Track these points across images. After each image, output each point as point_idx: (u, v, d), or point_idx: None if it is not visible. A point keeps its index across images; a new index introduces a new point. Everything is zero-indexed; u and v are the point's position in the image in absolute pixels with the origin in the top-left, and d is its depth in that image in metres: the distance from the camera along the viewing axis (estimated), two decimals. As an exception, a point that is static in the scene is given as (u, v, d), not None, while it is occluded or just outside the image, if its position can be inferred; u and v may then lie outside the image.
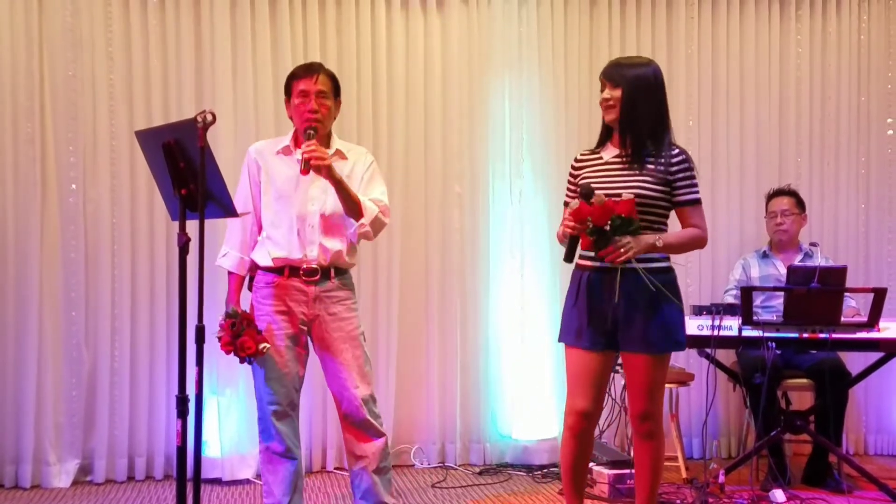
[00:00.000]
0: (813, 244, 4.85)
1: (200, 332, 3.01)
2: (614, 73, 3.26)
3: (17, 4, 4.64)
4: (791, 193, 5.00)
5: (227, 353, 3.36)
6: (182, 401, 3.04)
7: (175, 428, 3.07)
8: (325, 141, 3.53)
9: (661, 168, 3.23)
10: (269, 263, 3.48)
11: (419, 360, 5.06)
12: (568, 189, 3.43)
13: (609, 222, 3.06)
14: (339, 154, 3.55)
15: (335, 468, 4.92)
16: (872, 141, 5.51)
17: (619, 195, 3.14)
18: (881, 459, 5.35)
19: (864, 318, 4.34)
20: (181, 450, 3.05)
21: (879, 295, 4.23)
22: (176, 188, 3.06)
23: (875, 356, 4.50)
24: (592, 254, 3.19)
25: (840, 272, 4.28)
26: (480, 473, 4.92)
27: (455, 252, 5.10)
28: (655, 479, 3.36)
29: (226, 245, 3.59)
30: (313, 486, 4.63)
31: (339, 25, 4.98)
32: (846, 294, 4.54)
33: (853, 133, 5.50)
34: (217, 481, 4.68)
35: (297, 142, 3.51)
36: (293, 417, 3.53)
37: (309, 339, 3.55)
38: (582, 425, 3.31)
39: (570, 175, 3.42)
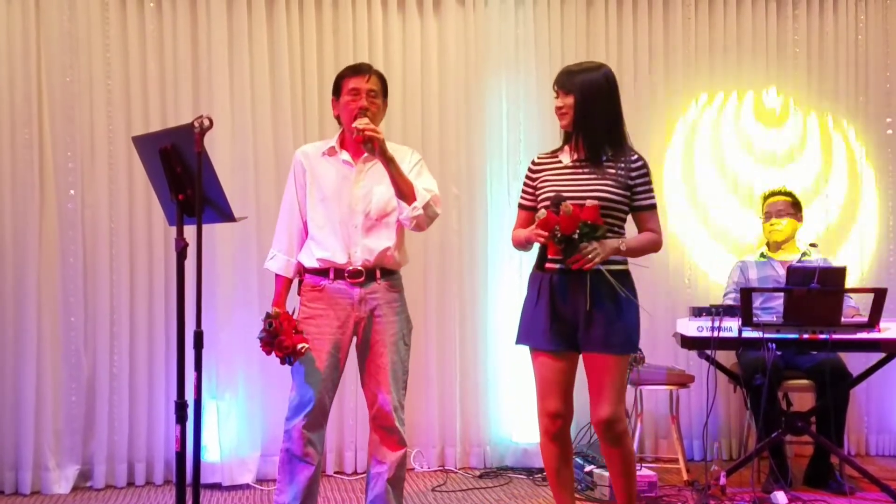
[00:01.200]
0: (812, 245, 4.84)
1: (199, 337, 3.00)
2: (565, 81, 3.31)
3: (14, 9, 4.64)
4: (786, 194, 4.99)
5: (267, 353, 3.33)
6: (181, 406, 3.03)
7: (174, 433, 3.06)
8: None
9: (622, 173, 3.27)
10: (314, 265, 3.46)
11: (418, 363, 5.02)
12: (524, 192, 3.45)
13: (577, 230, 3.08)
14: None
15: (335, 472, 4.91)
16: (871, 140, 5.50)
17: (582, 199, 3.17)
18: (882, 460, 5.35)
19: (865, 319, 4.33)
20: (180, 455, 3.04)
21: (880, 295, 4.22)
22: (173, 193, 3.06)
23: (876, 356, 4.49)
24: (537, 265, 3.24)
25: (840, 272, 4.27)
26: (480, 477, 4.91)
27: (453, 254, 5.10)
28: (631, 481, 3.39)
29: (274, 247, 3.58)
30: (326, 487, 4.60)
31: (335, 27, 4.97)
32: (846, 294, 4.53)
33: (851, 132, 5.49)
34: (217, 486, 4.67)
35: (342, 142, 3.49)
36: (322, 425, 3.49)
37: (353, 341, 3.52)
38: (556, 426, 3.32)
39: (527, 178, 3.44)
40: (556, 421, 3.32)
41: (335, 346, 3.45)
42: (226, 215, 3.14)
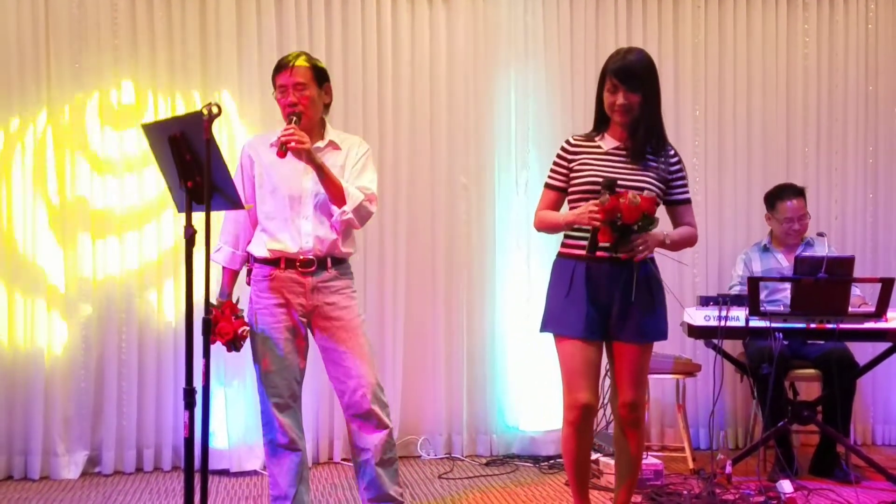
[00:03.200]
0: (820, 234, 4.82)
1: (207, 323, 3.02)
2: (632, 78, 3.20)
3: (23, -3, 4.65)
4: (802, 193, 4.89)
5: (212, 342, 3.35)
6: (189, 393, 3.05)
7: (182, 419, 3.08)
8: (318, 131, 3.51)
9: (662, 166, 3.28)
10: (265, 255, 3.48)
11: (426, 351, 5.06)
12: (554, 171, 3.37)
13: (639, 221, 3.08)
14: (333, 145, 3.53)
15: (342, 459, 4.93)
16: (880, 130, 5.49)
17: (623, 188, 3.14)
18: (889, 450, 5.34)
19: (872, 308, 4.33)
20: (189, 441, 3.06)
21: (887, 285, 4.22)
22: (182, 180, 3.07)
23: (883, 346, 4.49)
24: (589, 249, 3.18)
25: (848, 262, 4.27)
26: (487, 464, 4.93)
27: (461, 243, 5.10)
28: (637, 468, 3.44)
29: (220, 240, 3.60)
30: (320, 476, 4.64)
31: (344, 17, 4.97)
32: (852, 284, 4.52)
33: (861, 123, 5.48)
34: (225, 472, 4.69)
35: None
36: (295, 409, 3.53)
37: (308, 330, 3.55)
38: (585, 419, 3.31)
39: (561, 158, 3.36)
40: (584, 412, 3.29)
41: (291, 331, 3.48)
42: (234, 202, 3.15)
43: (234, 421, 4.73)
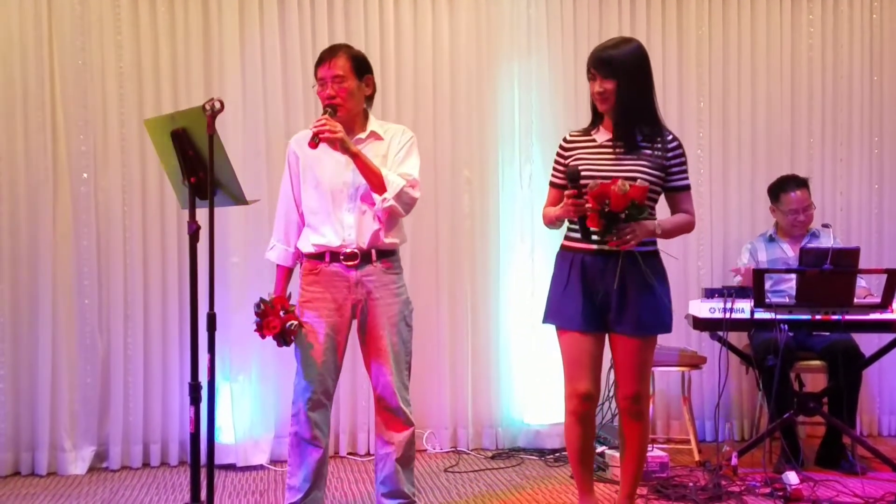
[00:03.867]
0: (825, 225, 4.81)
1: (212, 319, 3.03)
2: (604, 65, 3.22)
3: (26, -7, 4.65)
4: (805, 183, 4.87)
5: (261, 336, 3.40)
6: (195, 388, 3.06)
7: (188, 415, 3.09)
8: (360, 122, 3.52)
9: (658, 153, 3.26)
10: (311, 250, 3.50)
11: (430, 345, 5.06)
12: (555, 170, 3.42)
13: (626, 209, 3.07)
14: (374, 135, 3.53)
15: (349, 453, 4.94)
16: (885, 120, 5.48)
17: (616, 178, 3.13)
18: (895, 441, 5.33)
19: (878, 299, 4.32)
20: (195, 436, 3.07)
21: (893, 276, 4.21)
22: (185, 176, 3.07)
23: (888, 337, 4.48)
24: (582, 236, 3.21)
25: (853, 253, 4.26)
26: (493, 458, 4.93)
27: (465, 237, 5.10)
28: (642, 460, 3.44)
29: (273, 238, 3.63)
30: (330, 470, 4.63)
31: (347, 12, 4.96)
32: (858, 276, 4.51)
33: (866, 113, 5.46)
34: (231, 467, 4.70)
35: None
36: (327, 406, 3.54)
37: (352, 325, 3.55)
38: (585, 408, 3.34)
39: (559, 156, 3.40)
40: (585, 403, 3.32)
41: (333, 328, 3.49)
42: (237, 198, 3.16)
43: (241, 416, 4.73)
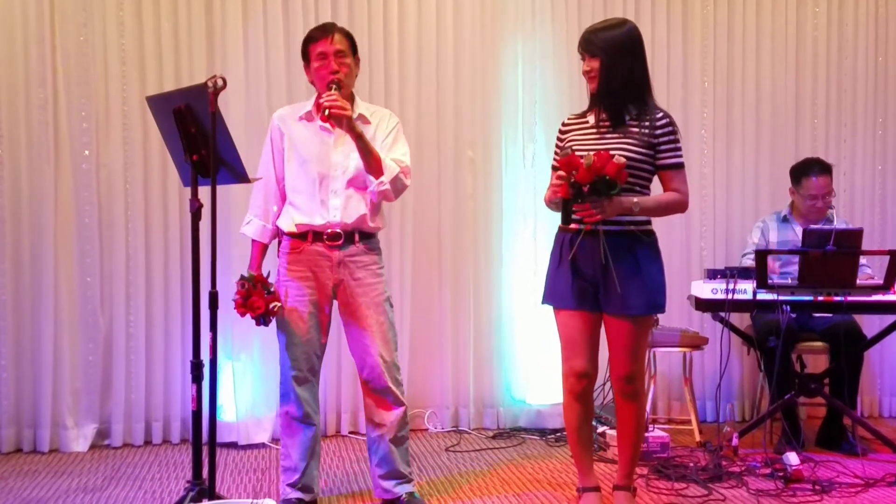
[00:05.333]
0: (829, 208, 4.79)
1: (214, 297, 3.03)
2: (590, 44, 3.27)
3: (26, -31, 4.62)
4: (829, 169, 4.76)
5: (241, 314, 3.39)
6: (196, 366, 3.07)
7: (190, 392, 3.10)
8: (349, 103, 3.50)
9: (646, 131, 3.25)
10: (293, 229, 3.49)
11: (433, 324, 5.07)
12: (555, 153, 3.46)
13: (594, 182, 3.05)
14: (363, 118, 3.51)
15: (350, 432, 4.95)
16: (890, 102, 5.46)
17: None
18: (895, 422, 5.34)
19: (880, 281, 4.31)
20: (196, 414, 3.08)
21: (895, 257, 4.20)
22: (187, 154, 3.06)
23: (890, 318, 4.48)
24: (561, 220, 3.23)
25: (856, 234, 4.25)
26: (494, 437, 4.94)
27: (468, 217, 5.09)
28: (639, 440, 3.45)
29: (249, 212, 3.61)
30: (328, 449, 4.66)
31: (350, -11, 4.94)
32: (861, 261, 4.50)
33: (870, 94, 5.45)
34: (233, 445, 4.72)
35: (318, 107, 3.45)
36: (313, 383, 3.55)
37: (333, 304, 3.55)
38: (582, 385, 3.36)
39: (558, 139, 3.45)
40: (581, 380, 3.35)
41: (315, 306, 3.49)
42: (240, 176, 3.15)
43: (242, 394, 4.75)
